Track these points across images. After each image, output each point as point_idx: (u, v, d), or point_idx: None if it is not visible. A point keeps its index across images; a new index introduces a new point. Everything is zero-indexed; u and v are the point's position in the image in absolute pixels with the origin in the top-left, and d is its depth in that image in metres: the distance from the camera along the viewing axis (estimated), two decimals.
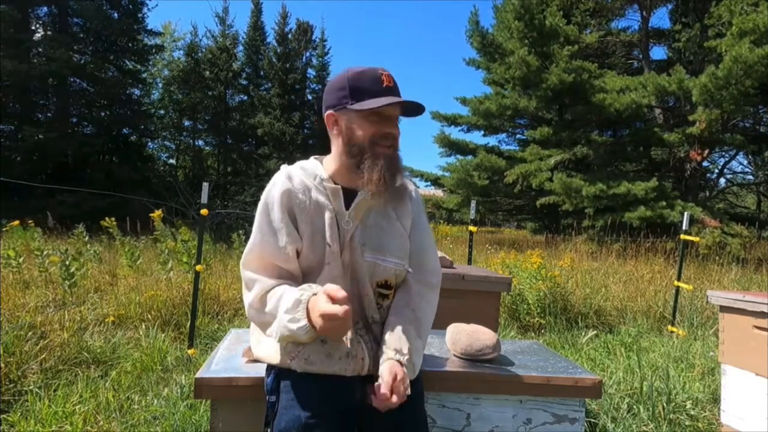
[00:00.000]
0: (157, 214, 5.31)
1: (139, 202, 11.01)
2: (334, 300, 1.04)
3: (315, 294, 1.10)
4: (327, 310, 1.02)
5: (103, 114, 17.07)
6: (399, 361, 1.17)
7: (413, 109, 1.25)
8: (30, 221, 6.37)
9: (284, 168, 1.31)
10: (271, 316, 1.17)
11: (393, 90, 1.22)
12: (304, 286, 1.15)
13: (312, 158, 1.35)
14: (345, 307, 1.02)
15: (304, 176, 1.27)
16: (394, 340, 1.21)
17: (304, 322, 1.08)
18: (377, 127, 1.21)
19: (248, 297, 1.23)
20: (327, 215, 1.23)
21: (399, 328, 1.23)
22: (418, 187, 1.46)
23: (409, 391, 1.16)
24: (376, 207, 1.28)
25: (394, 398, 1.12)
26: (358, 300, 1.25)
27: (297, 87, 21.56)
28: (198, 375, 1.38)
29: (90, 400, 2.42)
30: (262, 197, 1.26)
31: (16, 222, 5.79)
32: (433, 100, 63.10)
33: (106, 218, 5.73)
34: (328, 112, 1.26)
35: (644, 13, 14.12)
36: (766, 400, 2.12)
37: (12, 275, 4.59)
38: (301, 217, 1.23)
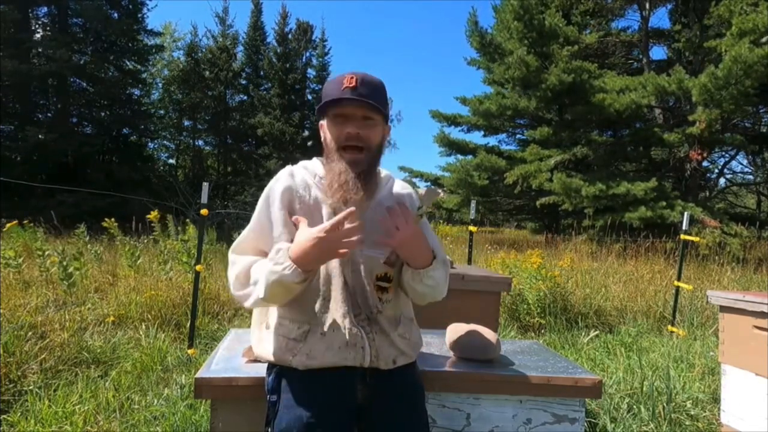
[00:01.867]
0: (154, 215, 5.31)
1: (139, 202, 11.00)
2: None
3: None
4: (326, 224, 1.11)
5: (103, 114, 17.07)
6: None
7: (373, 104, 1.24)
8: (30, 221, 6.37)
9: (288, 167, 1.37)
10: (254, 282, 1.20)
11: (355, 90, 1.22)
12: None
13: (315, 158, 1.39)
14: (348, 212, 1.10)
15: (306, 174, 1.33)
16: None
17: (288, 263, 1.12)
18: (340, 128, 1.25)
19: (233, 271, 1.26)
20: (325, 210, 1.26)
21: None
22: (418, 187, 1.48)
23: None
24: (374, 205, 1.30)
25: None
26: (361, 293, 1.27)
27: (297, 87, 21.55)
28: (198, 375, 1.38)
29: (90, 400, 2.42)
30: (264, 191, 1.31)
31: (14, 222, 5.78)
32: (434, 99, 63.13)
33: (107, 219, 5.72)
34: (319, 122, 1.35)
35: (644, 13, 14.12)
36: (766, 400, 2.12)
37: (12, 275, 4.59)
38: (300, 212, 1.26)
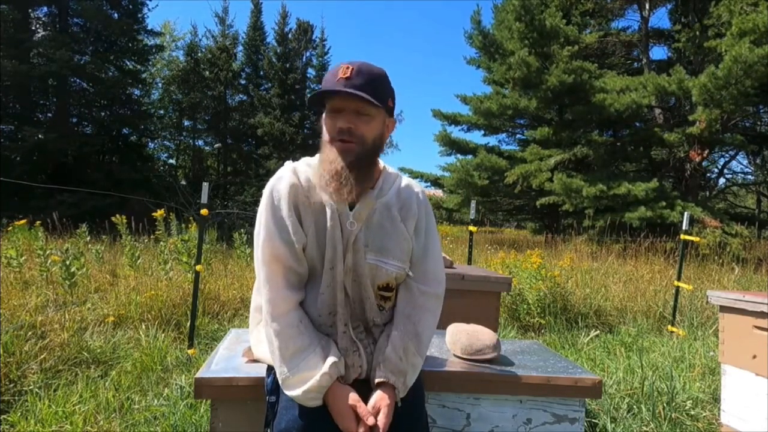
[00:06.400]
0: (160, 213, 5.31)
1: (138, 202, 11.00)
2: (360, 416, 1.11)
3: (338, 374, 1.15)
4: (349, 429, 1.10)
5: (103, 114, 17.05)
6: (393, 385, 1.17)
7: (364, 96, 1.16)
8: (40, 222, 6.37)
9: (289, 163, 1.29)
10: (280, 357, 1.17)
11: (349, 81, 1.15)
12: (328, 363, 1.14)
13: (318, 155, 1.32)
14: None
15: (310, 173, 1.25)
16: (394, 359, 1.19)
17: (319, 402, 1.14)
18: (333, 122, 1.20)
19: (261, 306, 1.21)
20: (330, 215, 1.21)
21: (400, 346, 1.21)
22: (424, 189, 1.43)
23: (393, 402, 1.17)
24: (381, 208, 1.26)
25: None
26: (360, 303, 1.24)
27: (297, 87, 21.55)
28: (198, 375, 1.38)
29: (90, 400, 2.42)
30: (267, 191, 1.22)
31: (23, 221, 5.78)
32: (435, 97, 63.12)
33: (117, 215, 5.71)
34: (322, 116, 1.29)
35: (644, 13, 14.12)
36: (766, 400, 2.12)
37: (13, 275, 4.59)
38: (306, 215, 1.21)
